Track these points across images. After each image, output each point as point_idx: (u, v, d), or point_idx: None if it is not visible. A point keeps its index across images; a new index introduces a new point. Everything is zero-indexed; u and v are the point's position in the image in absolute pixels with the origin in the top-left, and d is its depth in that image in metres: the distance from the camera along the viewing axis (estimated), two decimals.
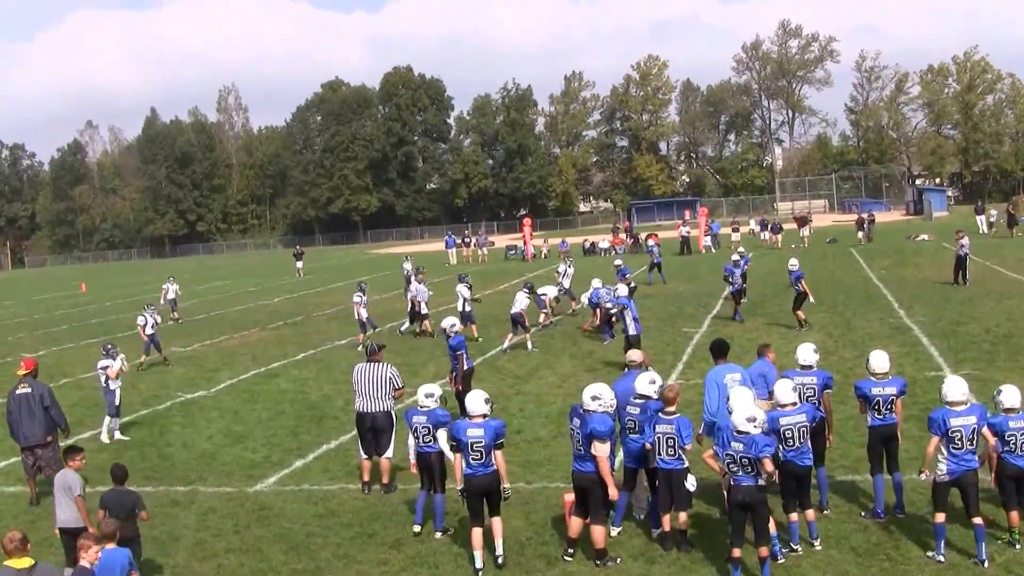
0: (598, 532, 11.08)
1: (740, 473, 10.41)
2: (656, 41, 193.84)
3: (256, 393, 22.92)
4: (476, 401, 11.59)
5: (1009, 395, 10.98)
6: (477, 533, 11.23)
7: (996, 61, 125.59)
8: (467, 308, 29.15)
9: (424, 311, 29.79)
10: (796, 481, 11.21)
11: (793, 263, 28.03)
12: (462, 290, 29.53)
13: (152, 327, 27.44)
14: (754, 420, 10.44)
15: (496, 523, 11.33)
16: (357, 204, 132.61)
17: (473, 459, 11.19)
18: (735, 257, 31.69)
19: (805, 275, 27.30)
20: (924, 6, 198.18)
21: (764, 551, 10.30)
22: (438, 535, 12.32)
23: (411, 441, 12.62)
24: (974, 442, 10.71)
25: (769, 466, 10.27)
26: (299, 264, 67.55)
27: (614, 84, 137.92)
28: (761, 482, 10.33)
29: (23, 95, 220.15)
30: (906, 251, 51.85)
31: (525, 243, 69.77)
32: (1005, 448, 10.80)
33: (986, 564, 10.44)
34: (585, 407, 11.22)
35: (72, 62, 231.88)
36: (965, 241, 35.02)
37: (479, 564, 11.11)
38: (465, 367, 18.44)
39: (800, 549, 11.02)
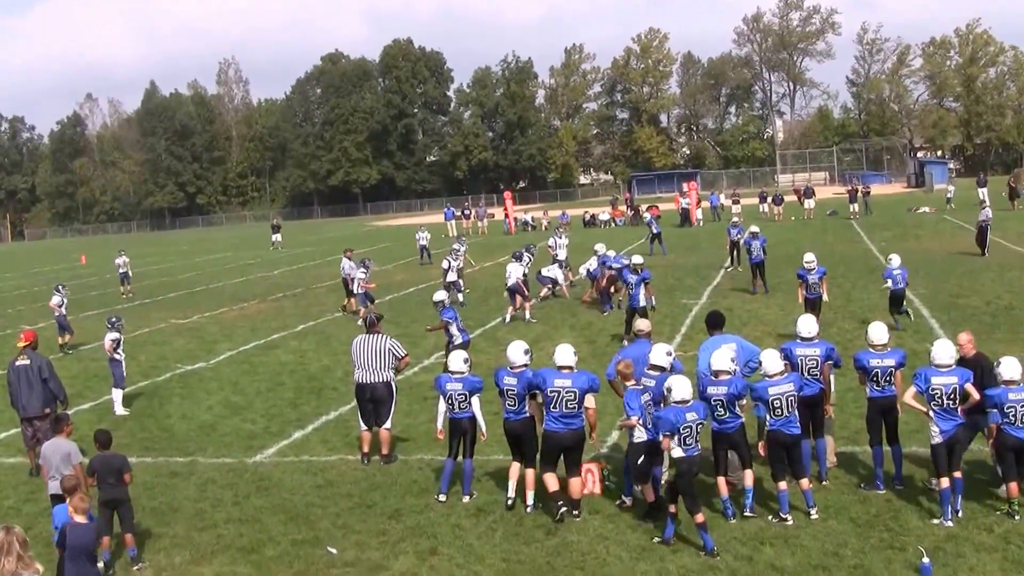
0: (576, 483, 11.82)
1: (726, 415, 11.34)
2: (657, 13, 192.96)
3: (255, 364, 23.03)
4: (516, 352, 12.25)
5: (1008, 367, 11.05)
6: (515, 467, 12.22)
7: (998, 33, 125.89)
8: (451, 277, 29.43)
9: (355, 288, 29.39)
10: (785, 450, 11.33)
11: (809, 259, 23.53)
12: (449, 260, 29.79)
13: (63, 307, 27.20)
14: (733, 361, 11.52)
15: (529, 473, 12.03)
16: (357, 177, 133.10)
17: (509, 405, 12.07)
18: (734, 219, 31.54)
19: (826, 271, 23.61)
20: None
21: (750, 475, 11.45)
22: (466, 499, 12.49)
23: (442, 407, 12.72)
24: (955, 401, 10.94)
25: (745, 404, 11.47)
26: (276, 237, 67.64)
27: (615, 56, 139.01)
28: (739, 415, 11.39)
29: (22, 68, 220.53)
30: (907, 223, 51.84)
31: (507, 216, 70.41)
32: (1005, 420, 10.89)
33: (959, 514, 10.84)
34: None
35: (71, 35, 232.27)
36: (987, 211, 35.01)
37: (511, 494, 12.14)
38: (461, 340, 18.32)
39: (790, 519, 11.10)
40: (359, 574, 10.55)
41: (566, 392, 11.66)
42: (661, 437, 10.86)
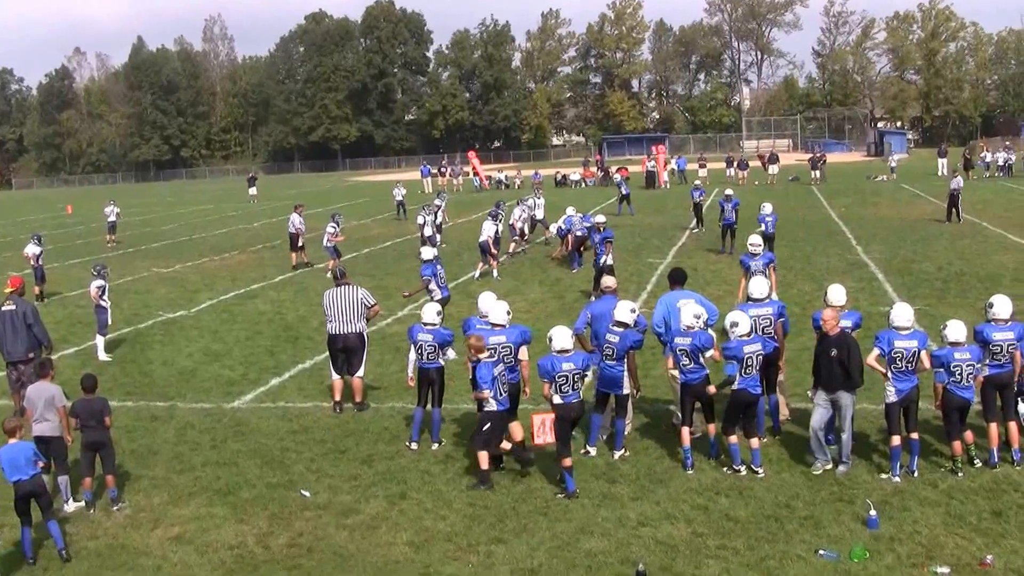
0: (515, 427, 12.15)
1: (691, 365, 11.85)
2: None
3: (235, 313, 23.36)
4: (491, 305, 12.55)
5: (954, 329, 11.46)
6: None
7: (960, 10, 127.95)
8: (427, 232, 29.76)
9: (324, 242, 29.56)
10: (745, 408, 11.76)
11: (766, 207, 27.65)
12: (424, 215, 30.13)
13: (40, 257, 27.25)
14: (699, 317, 11.95)
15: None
16: (337, 133, 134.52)
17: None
18: (697, 182, 32.04)
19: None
20: None
21: (713, 428, 12.02)
22: (435, 447, 12.86)
23: (412, 356, 12.95)
24: (913, 364, 11.28)
25: (715, 355, 11.92)
26: (252, 190, 67.33)
27: (590, 22, 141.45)
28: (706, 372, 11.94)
29: (12, 21, 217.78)
30: (865, 191, 52.52)
31: (477, 174, 71.10)
32: (951, 379, 11.28)
33: (915, 474, 11.20)
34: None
35: None
36: (958, 179, 35.69)
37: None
38: (441, 296, 18.44)
39: (743, 470, 11.51)
40: (331, 517, 10.83)
41: (502, 347, 12.05)
42: (542, 384, 11.51)
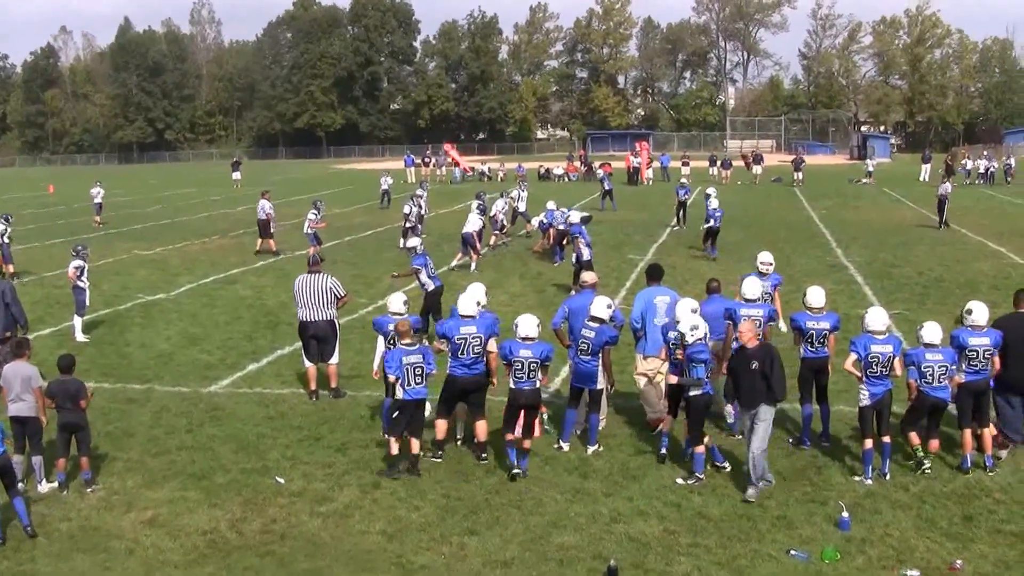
0: (482, 426, 12.28)
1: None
2: None
3: (215, 298, 23.31)
4: (467, 303, 12.42)
5: (930, 331, 11.59)
6: (460, 408, 12.65)
7: (946, 16, 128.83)
8: (408, 224, 29.73)
9: (305, 228, 29.53)
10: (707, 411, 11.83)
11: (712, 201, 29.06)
12: (411, 205, 30.09)
13: (5, 236, 26.99)
14: (696, 328, 11.57)
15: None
16: (322, 120, 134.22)
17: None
18: (683, 180, 32.27)
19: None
20: None
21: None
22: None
23: (380, 346, 12.93)
24: (888, 368, 11.37)
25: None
26: (236, 175, 67.05)
27: (578, 17, 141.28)
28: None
29: None
30: (847, 193, 52.79)
31: (457, 164, 71.56)
32: (923, 379, 11.40)
33: (887, 477, 11.28)
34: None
35: None
36: (947, 184, 35.83)
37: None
38: (433, 286, 18.32)
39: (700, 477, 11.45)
40: (305, 504, 10.83)
41: (472, 338, 12.10)
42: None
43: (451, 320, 12.45)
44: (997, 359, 11.74)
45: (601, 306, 12.48)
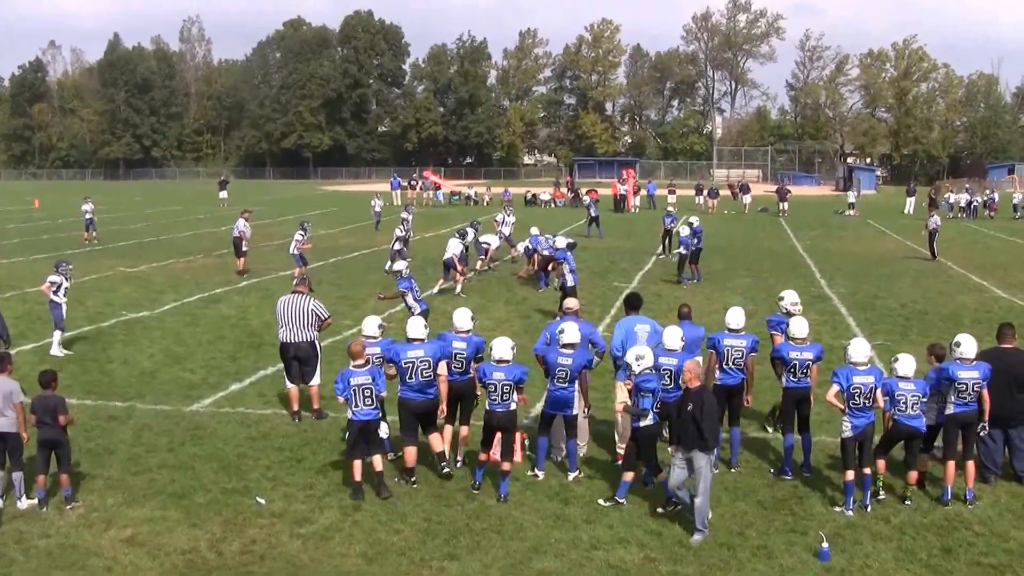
0: (436, 438, 12.46)
1: (671, 385, 12.01)
2: (610, 5, 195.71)
3: (198, 316, 23.26)
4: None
5: (904, 364, 11.67)
6: (448, 430, 12.83)
7: (932, 51, 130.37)
8: (395, 247, 29.75)
9: (291, 249, 29.51)
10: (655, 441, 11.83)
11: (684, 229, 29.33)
12: (397, 231, 30.10)
13: None
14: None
15: (463, 430, 12.77)
16: (309, 141, 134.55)
17: (455, 368, 12.54)
18: (669, 208, 32.46)
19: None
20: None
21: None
22: (391, 456, 12.84)
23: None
24: (871, 400, 11.43)
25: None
26: (223, 194, 66.93)
27: (567, 43, 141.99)
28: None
29: None
30: (832, 224, 53.06)
31: (439, 187, 72.82)
32: (896, 408, 11.49)
33: (869, 509, 11.30)
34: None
35: None
36: (935, 218, 36.01)
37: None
38: (420, 309, 18.20)
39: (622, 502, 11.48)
40: (285, 525, 10.79)
41: (420, 361, 12.14)
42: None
43: (399, 344, 12.55)
44: (986, 392, 11.83)
45: (573, 332, 12.48)
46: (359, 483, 11.65)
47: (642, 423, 11.42)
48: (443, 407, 12.52)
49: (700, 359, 12.55)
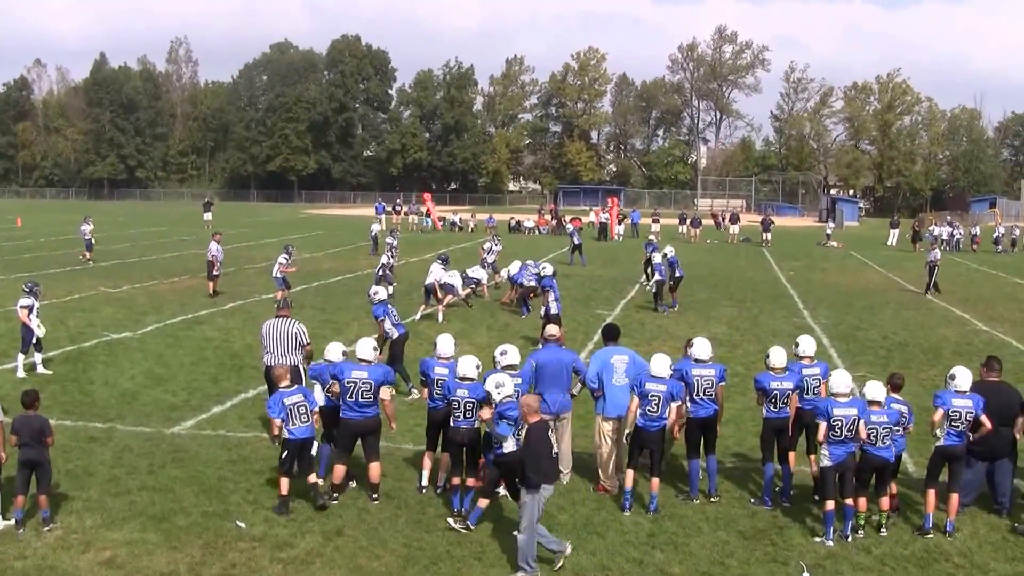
0: (375, 468, 12.48)
1: (657, 412, 12.19)
2: (596, 34, 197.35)
3: (181, 338, 23.17)
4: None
5: (872, 390, 11.74)
6: (429, 456, 12.95)
7: (916, 84, 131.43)
8: (379, 272, 29.79)
9: (274, 272, 29.35)
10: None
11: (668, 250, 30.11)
12: (383, 257, 30.13)
13: None
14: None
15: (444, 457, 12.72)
16: (294, 164, 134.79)
17: (436, 394, 12.69)
18: (651, 237, 32.65)
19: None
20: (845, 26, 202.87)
21: (656, 482, 12.23)
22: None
23: (318, 393, 12.96)
24: (852, 431, 11.45)
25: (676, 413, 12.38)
26: (207, 216, 66.77)
27: (553, 71, 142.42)
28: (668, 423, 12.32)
29: None
30: (815, 255, 53.27)
31: (430, 215, 71.67)
32: (867, 440, 11.51)
33: (849, 539, 11.33)
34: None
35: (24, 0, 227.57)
36: (936, 251, 36.17)
37: (424, 482, 12.86)
38: (397, 334, 18.15)
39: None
40: (266, 550, 10.75)
41: (362, 383, 12.26)
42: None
43: (345, 362, 12.69)
44: (985, 419, 11.87)
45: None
46: (286, 497, 11.89)
47: (505, 449, 11.32)
48: (392, 425, 12.90)
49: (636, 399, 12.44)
